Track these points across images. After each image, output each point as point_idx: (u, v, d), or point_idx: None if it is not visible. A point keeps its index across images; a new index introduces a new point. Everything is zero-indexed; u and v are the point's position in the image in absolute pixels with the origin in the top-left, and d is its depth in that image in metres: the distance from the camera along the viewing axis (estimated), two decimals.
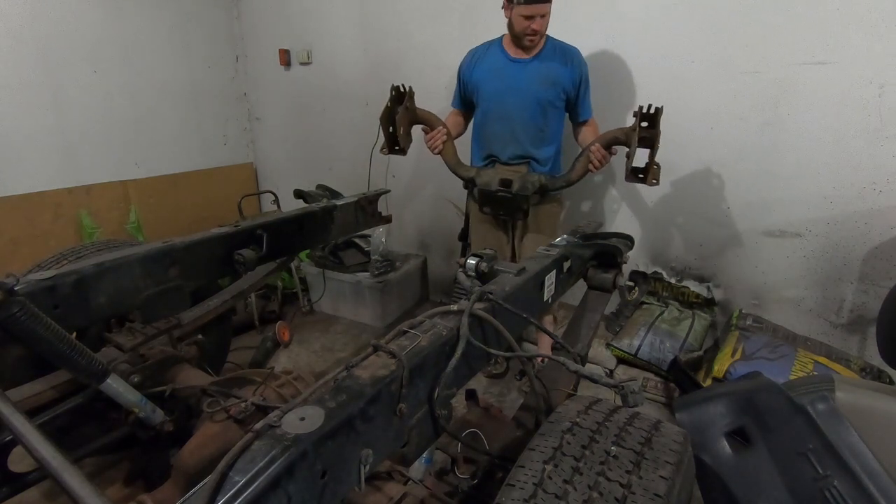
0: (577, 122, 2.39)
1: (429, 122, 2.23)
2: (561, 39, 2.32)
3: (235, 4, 3.99)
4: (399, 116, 2.07)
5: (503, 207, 2.26)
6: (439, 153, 2.26)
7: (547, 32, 2.24)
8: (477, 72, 2.35)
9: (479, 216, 2.45)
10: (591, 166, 2.05)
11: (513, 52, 2.29)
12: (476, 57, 2.38)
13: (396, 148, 2.18)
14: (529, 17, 2.09)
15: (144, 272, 1.46)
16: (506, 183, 2.15)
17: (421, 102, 2.23)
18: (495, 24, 2.97)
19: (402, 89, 2.09)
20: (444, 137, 2.23)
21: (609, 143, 2.02)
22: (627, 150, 1.90)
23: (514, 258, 2.45)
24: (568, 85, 2.25)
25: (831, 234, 2.39)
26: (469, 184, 2.33)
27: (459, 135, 2.50)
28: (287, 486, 0.63)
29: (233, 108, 4.12)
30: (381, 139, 2.19)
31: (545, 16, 2.13)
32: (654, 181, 1.87)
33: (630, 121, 1.94)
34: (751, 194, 2.53)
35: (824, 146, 2.31)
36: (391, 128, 2.11)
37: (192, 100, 3.79)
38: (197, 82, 3.81)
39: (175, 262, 1.54)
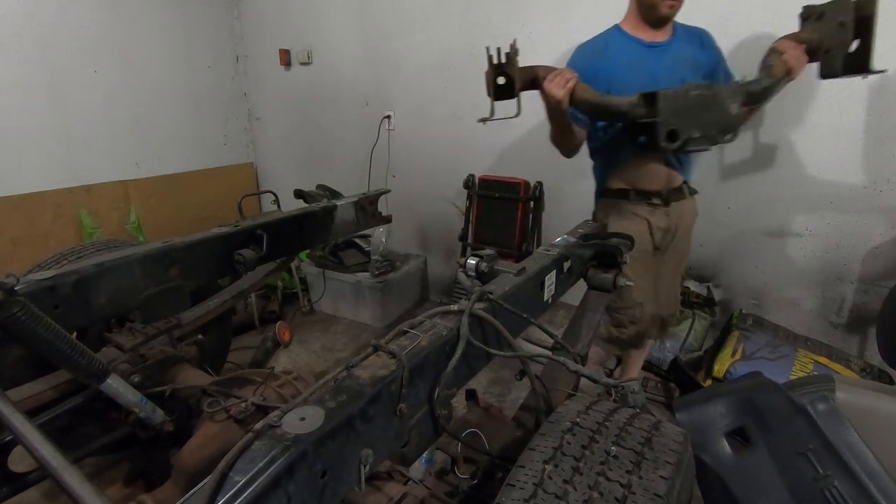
0: None
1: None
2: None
3: (235, 4, 3.99)
4: (518, 78, 1.61)
5: (704, 120, 1.51)
6: (569, 92, 1.65)
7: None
8: (604, 65, 1.87)
9: (626, 212, 1.94)
10: (789, 64, 1.59)
11: (646, 35, 1.88)
12: (595, 50, 1.94)
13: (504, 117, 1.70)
14: None
15: (144, 272, 1.46)
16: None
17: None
18: (495, 24, 2.99)
19: (496, 58, 1.61)
20: (576, 74, 1.67)
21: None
22: (818, 52, 1.59)
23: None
24: (709, 69, 1.86)
25: (831, 234, 2.39)
26: (640, 108, 1.55)
27: (571, 142, 1.99)
28: (287, 486, 0.63)
29: (233, 108, 4.12)
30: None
31: None
32: (879, 68, 1.52)
33: None
34: (751, 194, 2.53)
35: (824, 146, 2.31)
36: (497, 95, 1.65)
37: (192, 100, 3.79)
38: (197, 82, 3.81)
39: (175, 262, 1.54)
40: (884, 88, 2.15)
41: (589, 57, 1.94)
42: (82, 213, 3.17)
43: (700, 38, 1.91)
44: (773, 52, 1.64)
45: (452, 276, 3.53)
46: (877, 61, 1.54)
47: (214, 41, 3.90)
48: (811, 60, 1.66)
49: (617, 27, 1.97)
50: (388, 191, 2.59)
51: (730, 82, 1.87)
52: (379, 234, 3.25)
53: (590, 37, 2.79)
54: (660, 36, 1.88)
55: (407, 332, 0.94)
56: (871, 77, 2.15)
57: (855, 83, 2.19)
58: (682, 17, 1.97)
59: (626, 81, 1.83)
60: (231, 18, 4.00)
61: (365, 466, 0.76)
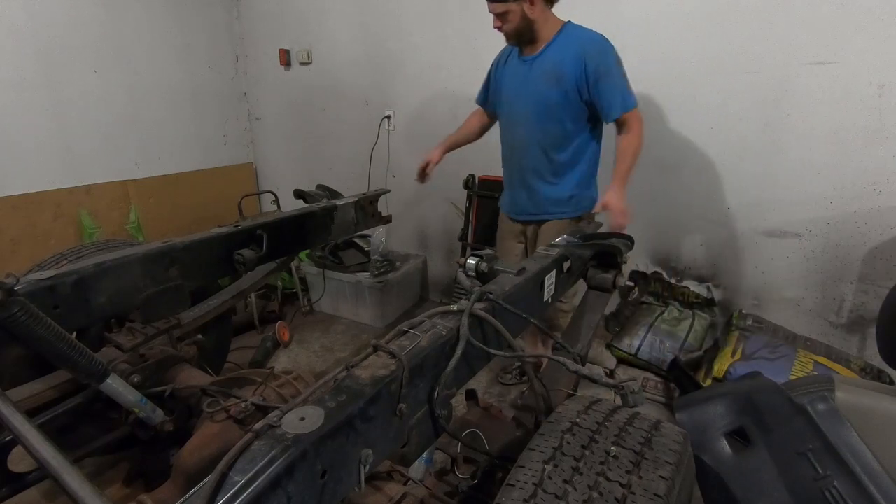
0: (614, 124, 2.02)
1: None
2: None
3: (235, 4, 3.99)
4: None
5: None
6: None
7: (569, 20, 2.04)
8: (502, 70, 2.20)
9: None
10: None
11: (525, 49, 2.08)
12: (503, 56, 2.23)
13: None
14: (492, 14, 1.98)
15: (144, 272, 1.46)
16: None
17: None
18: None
19: None
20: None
21: None
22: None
23: None
24: (571, 83, 1.96)
25: (831, 234, 2.39)
26: None
27: (471, 139, 2.45)
28: (287, 486, 0.63)
29: (233, 108, 4.12)
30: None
31: (501, 15, 1.94)
32: None
33: None
34: (751, 194, 2.53)
35: (824, 146, 2.31)
36: None
37: (192, 100, 3.79)
38: (197, 82, 3.81)
39: (175, 262, 1.54)
40: (883, 89, 2.15)
41: (497, 60, 2.26)
42: (82, 213, 3.16)
43: (578, 51, 1.95)
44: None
45: (452, 276, 3.53)
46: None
47: (214, 41, 3.90)
48: None
49: None
50: (388, 191, 2.59)
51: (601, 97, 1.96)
52: (379, 234, 3.25)
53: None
54: (533, 50, 2.06)
55: (407, 332, 0.94)
56: (872, 78, 2.17)
57: (856, 84, 2.20)
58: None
59: (505, 90, 2.18)
60: (231, 18, 4.00)
61: (365, 466, 0.76)
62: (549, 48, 2.02)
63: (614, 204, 1.85)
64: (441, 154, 2.41)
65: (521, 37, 2.02)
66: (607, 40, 1.99)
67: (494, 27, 2.00)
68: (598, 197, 2.16)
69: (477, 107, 2.43)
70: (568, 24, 2.04)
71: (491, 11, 1.96)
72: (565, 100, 1.99)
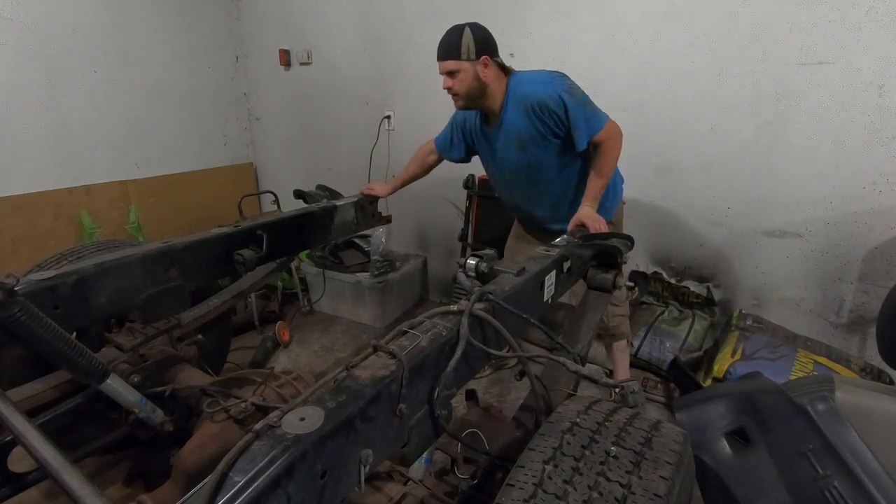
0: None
1: None
2: (534, 70, 1.96)
3: (235, 4, 3.99)
4: None
5: None
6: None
7: (512, 73, 1.92)
8: (473, 135, 2.11)
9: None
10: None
11: (487, 121, 2.01)
12: (469, 116, 2.09)
13: None
14: (443, 73, 1.85)
15: (144, 272, 1.46)
16: None
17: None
18: (496, 23, 2.98)
19: None
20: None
21: None
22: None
23: None
24: (541, 133, 1.86)
25: (831, 234, 2.39)
26: None
27: (419, 178, 2.38)
28: (287, 486, 0.63)
29: (233, 108, 4.12)
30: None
31: (452, 73, 1.81)
32: None
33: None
34: (751, 194, 2.53)
35: (824, 146, 2.31)
36: None
37: (192, 100, 3.79)
38: (197, 82, 3.81)
39: (175, 262, 1.54)
40: (883, 88, 2.15)
41: (463, 121, 2.12)
42: (82, 213, 3.17)
43: (527, 109, 1.84)
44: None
45: (452, 276, 3.53)
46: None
47: (214, 41, 3.90)
48: None
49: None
50: None
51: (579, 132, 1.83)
52: (379, 234, 3.25)
53: (590, 37, 2.79)
54: (495, 121, 1.97)
55: (407, 332, 0.94)
56: (872, 78, 2.17)
57: (856, 84, 2.20)
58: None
59: (485, 159, 2.13)
60: (231, 18, 4.00)
61: (365, 466, 0.76)
62: (504, 116, 1.91)
63: (588, 216, 1.82)
64: (389, 192, 2.33)
65: (473, 100, 1.89)
66: (546, 80, 1.85)
67: (444, 87, 1.87)
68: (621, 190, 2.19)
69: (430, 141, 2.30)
70: (511, 82, 1.90)
71: (441, 71, 1.84)
72: (545, 149, 1.90)
